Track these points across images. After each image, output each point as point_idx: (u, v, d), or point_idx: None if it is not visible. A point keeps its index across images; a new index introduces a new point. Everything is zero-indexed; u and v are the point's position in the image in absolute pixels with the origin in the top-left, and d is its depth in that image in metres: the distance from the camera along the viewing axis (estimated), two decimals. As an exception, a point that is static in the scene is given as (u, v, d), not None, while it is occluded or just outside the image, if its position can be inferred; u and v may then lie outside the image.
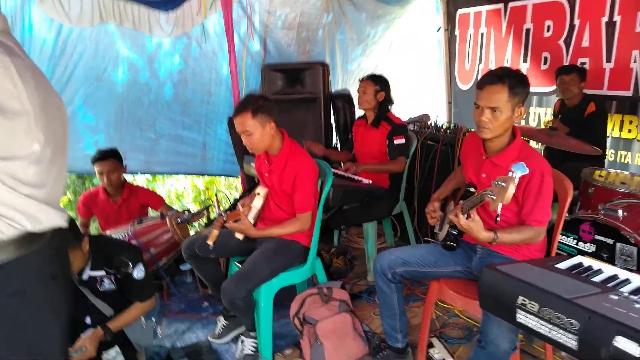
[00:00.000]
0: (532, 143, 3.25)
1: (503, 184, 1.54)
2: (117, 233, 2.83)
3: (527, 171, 1.54)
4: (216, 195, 3.04)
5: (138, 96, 3.95)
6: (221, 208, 3.06)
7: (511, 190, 1.52)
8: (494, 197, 1.56)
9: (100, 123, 3.90)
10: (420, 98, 4.97)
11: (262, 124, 2.18)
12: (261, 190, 2.41)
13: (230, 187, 6.16)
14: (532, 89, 3.64)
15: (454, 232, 1.89)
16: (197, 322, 2.70)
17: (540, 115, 4.04)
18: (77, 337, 2.07)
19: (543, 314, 1.30)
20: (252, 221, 2.30)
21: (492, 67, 4.27)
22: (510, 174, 1.53)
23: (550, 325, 1.29)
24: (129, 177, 4.28)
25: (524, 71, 3.62)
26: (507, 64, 4.21)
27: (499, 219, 1.64)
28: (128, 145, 3.91)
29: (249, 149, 2.28)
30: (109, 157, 3.06)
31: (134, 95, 3.92)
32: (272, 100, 2.25)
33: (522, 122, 3.80)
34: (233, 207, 2.71)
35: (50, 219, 1.20)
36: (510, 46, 4.20)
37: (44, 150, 1.15)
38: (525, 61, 4.12)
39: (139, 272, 2.20)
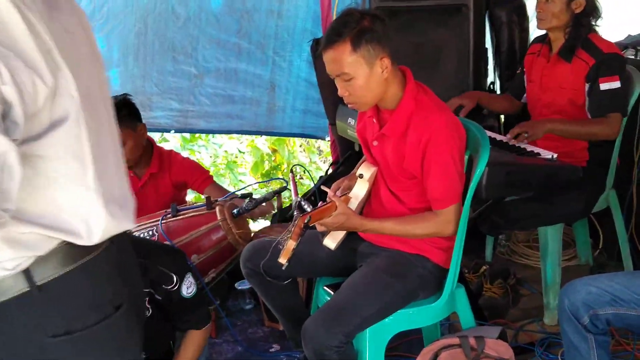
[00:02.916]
0: None
1: None
2: (140, 230, 3.00)
3: None
4: (292, 172, 3.10)
5: (170, 5, 4.10)
6: (299, 194, 3.13)
7: None
8: None
9: (115, 51, 4.13)
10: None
11: (368, 62, 2.16)
12: (366, 171, 2.41)
13: (310, 151, 6.23)
14: None
15: None
16: (264, 376, 2.86)
17: None
18: None
19: None
20: None
21: None
22: None
23: None
24: (156, 137, 4.52)
25: None
26: None
27: None
28: (155, 87, 4.12)
29: (348, 103, 2.30)
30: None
31: (163, 4, 4.08)
32: (384, 18, 2.23)
33: None
34: (318, 194, 2.77)
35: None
36: None
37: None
38: None
39: (189, 287, 2.36)
